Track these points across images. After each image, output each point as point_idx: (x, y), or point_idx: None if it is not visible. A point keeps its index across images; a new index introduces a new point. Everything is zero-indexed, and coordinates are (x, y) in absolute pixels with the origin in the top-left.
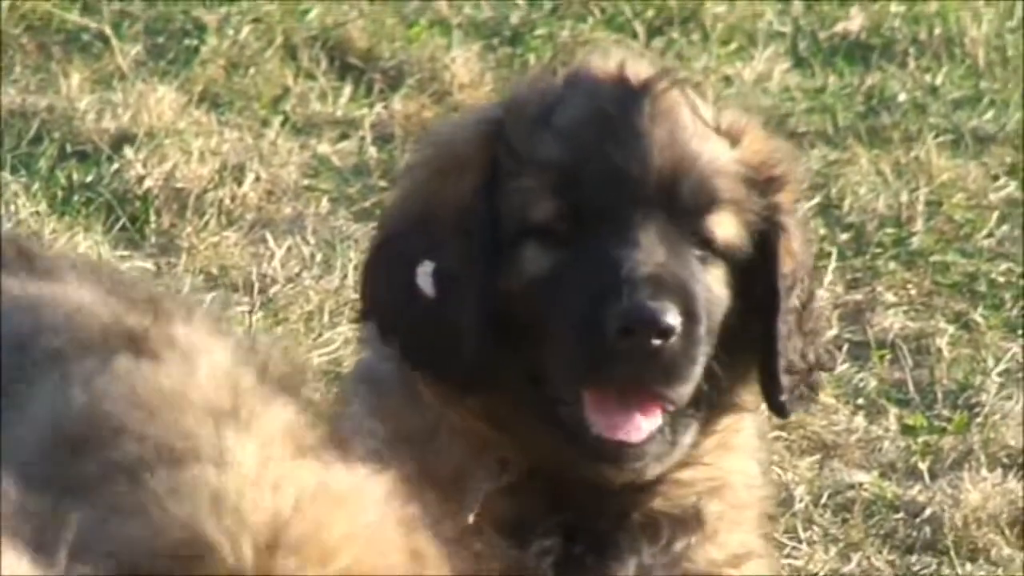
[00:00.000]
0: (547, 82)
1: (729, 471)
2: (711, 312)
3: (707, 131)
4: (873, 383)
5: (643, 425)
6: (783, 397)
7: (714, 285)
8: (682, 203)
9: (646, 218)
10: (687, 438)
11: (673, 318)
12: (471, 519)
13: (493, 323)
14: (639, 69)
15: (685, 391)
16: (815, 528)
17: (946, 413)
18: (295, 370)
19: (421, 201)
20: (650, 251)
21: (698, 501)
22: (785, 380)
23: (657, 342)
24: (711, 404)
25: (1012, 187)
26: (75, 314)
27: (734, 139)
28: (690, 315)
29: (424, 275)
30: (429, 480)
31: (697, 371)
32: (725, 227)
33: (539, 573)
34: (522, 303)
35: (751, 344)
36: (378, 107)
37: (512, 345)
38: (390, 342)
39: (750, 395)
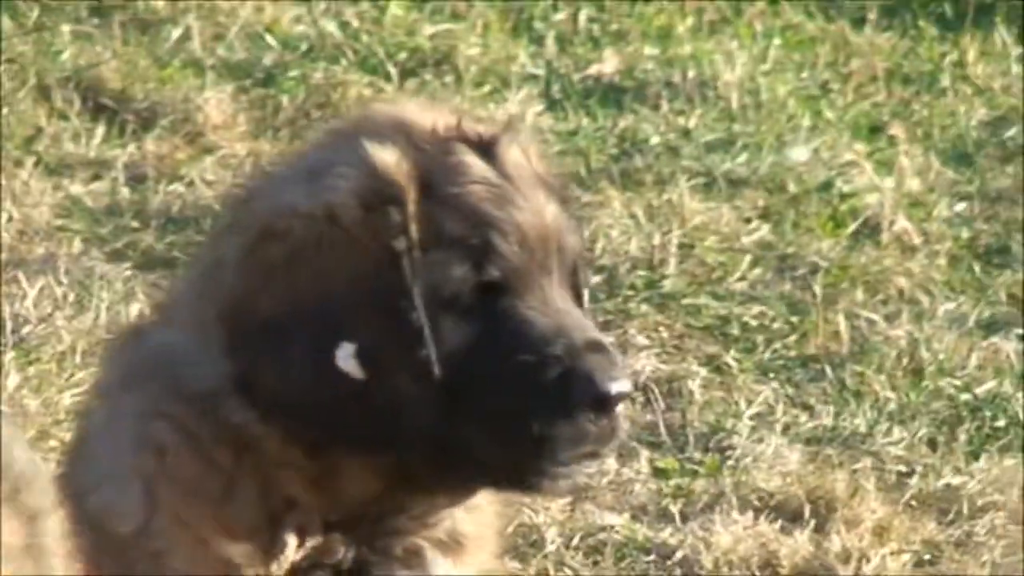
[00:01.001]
0: (380, 143)
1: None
2: None
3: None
4: (624, 425)
5: None
6: None
7: None
8: (568, 259)
9: (552, 280)
10: None
11: (629, 383)
12: None
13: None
14: (475, 125)
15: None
16: (566, 570)
17: (698, 456)
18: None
19: (308, 282)
20: (578, 315)
21: (455, 524)
22: None
23: (619, 409)
24: None
25: (764, 230)
26: None
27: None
28: None
29: (346, 357)
30: (227, 535)
31: None
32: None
33: None
34: (446, 374)
35: None
36: (131, 148)
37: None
38: (298, 429)
39: None
